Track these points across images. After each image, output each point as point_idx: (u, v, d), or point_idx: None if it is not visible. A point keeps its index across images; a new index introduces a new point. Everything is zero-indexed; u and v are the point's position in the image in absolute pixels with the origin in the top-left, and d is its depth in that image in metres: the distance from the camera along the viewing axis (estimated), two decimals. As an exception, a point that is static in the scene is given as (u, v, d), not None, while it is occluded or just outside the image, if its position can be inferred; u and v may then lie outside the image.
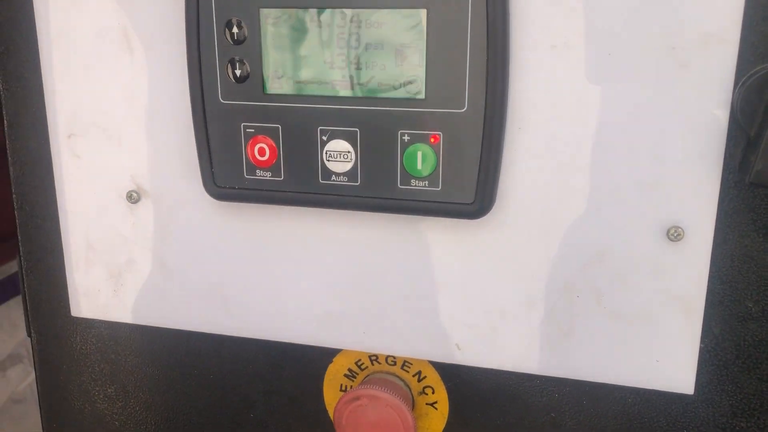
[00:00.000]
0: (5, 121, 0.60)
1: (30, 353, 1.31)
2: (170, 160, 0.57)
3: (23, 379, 1.57)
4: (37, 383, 0.69)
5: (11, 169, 0.61)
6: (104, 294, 0.63)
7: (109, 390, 0.66)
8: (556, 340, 0.52)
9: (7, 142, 0.61)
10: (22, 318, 0.67)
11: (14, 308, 1.53)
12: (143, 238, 0.60)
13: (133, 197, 0.59)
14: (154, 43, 0.54)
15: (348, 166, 0.52)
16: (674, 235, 0.48)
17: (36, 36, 0.57)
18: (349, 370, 0.60)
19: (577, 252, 0.50)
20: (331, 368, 0.60)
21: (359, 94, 0.50)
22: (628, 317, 0.50)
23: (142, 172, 0.58)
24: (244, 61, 0.51)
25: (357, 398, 0.55)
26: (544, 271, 0.51)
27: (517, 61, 0.48)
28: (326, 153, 0.52)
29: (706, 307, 0.49)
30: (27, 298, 0.66)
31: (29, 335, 0.68)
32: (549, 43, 0.47)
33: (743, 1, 0.43)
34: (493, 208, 0.51)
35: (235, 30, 0.51)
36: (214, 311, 0.60)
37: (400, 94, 0.49)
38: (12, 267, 1.50)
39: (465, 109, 0.48)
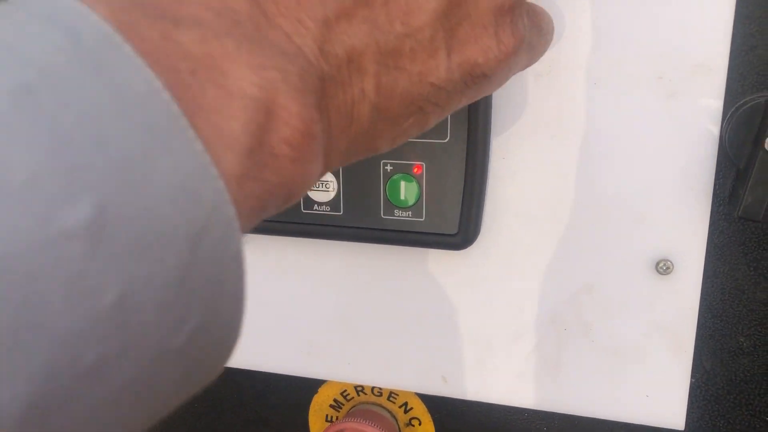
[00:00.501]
0: None
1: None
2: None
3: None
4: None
5: None
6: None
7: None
8: (544, 373, 0.51)
9: None
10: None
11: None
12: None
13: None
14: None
15: (330, 196, 0.51)
16: (663, 268, 0.47)
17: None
18: (335, 400, 0.59)
19: (565, 284, 0.49)
20: (316, 399, 0.59)
21: (340, 123, 0.49)
22: (617, 351, 0.49)
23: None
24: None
25: (341, 431, 0.54)
26: (531, 303, 0.50)
27: (500, 89, 0.47)
28: (308, 182, 0.51)
29: (696, 341, 0.48)
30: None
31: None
32: (533, 72, 0.46)
33: (731, 31, 0.42)
34: (478, 238, 0.49)
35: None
36: (197, 341, 0.59)
37: (382, 123, 0.48)
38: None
39: (447, 139, 0.47)
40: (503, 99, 0.47)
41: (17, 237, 0.16)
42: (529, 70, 0.46)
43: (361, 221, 0.51)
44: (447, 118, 0.47)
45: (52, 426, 0.18)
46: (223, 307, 0.23)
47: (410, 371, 0.54)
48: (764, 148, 0.41)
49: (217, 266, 0.21)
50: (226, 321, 0.23)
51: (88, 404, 0.18)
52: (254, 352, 0.58)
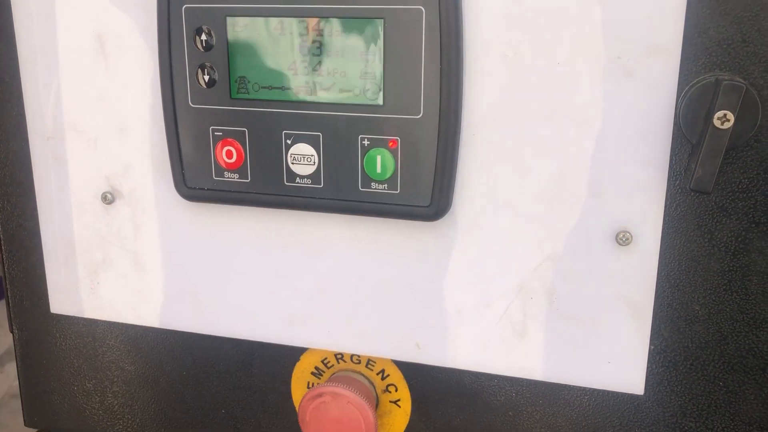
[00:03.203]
0: (-13, 124, 0.62)
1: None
2: (143, 162, 0.59)
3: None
4: (18, 378, 0.71)
5: (-7, 169, 0.63)
6: (82, 292, 0.65)
7: (87, 385, 0.68)
8: (511, 340, 0.54)
9: (-11, 143, 0.63)
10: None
11: (13, 306, 1.56)
12: (118, 238, 0.62)
13: (107, 198, 0.61)
14: (127, 49, 0.56)
15: (311, 169, 0.54)
16: (623, 239, 0.49)
17: (15, 42, 0.59)
18: (316, 368, 0.61)
19: (530, 255, 0.52)
20: (298, 366, 0.62)
21: (321, 99, 0.52)
22: (580, 319, 0.52)
23: (116, 174, 0.60)
24: (213, 67, 0.53)
25: (320, 395, 0.56)
26: (499, 272, 0.53)
27: (471, 69, 0.49)
28: (291, 156, 0.54)
29: (654, 309, 0.50)
30: (9, 295, 0.68)
31: (11, 331, 0.70)
32: (501, 52, 0.49)
33: (684, 14, 0.44)
34: (449, 211, 0.52)
35: (204, 37, 0.53)
36: (186, 310, 0.62)
37: (360, 100, 0.51)
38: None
39: (421, 115, 0.50)
40: (473, 78, 0.49)
41: None
42: (497, 50, 0.48)
43: (340, 193, 0.54)
44: (420, 95, 0.49)
45: None
46: None
47: (386, 339, 0.57)
48: (713, 124, 0.44)
49: None
50: None
51: None
52: (238, 321, 0.61)
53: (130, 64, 0.57)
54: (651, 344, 0.51)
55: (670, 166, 0.47)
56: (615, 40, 0.46)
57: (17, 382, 1.59)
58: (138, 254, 0.62)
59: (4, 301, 1.55)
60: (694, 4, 0.44)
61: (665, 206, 0.48)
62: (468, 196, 0.52)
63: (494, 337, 0.54)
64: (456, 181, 0.52)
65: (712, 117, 0.44)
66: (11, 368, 1.59)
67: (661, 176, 0.48)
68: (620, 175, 0.48)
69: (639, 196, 0.48)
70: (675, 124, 0.47)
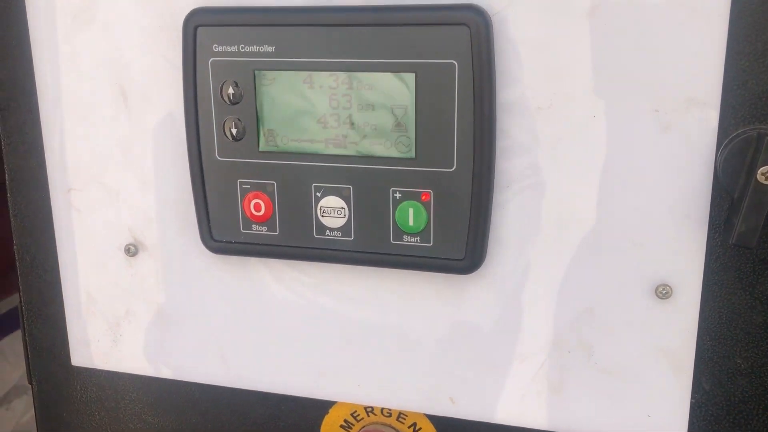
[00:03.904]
0: (6, 175, 0.61)
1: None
2: (168, 214, 0.58)
3: (27, 410, 1.58)
4: (37, 431, 0.70)
5: (12, 221, 0.63)
6: (104, 344, 0.63)
7: (108, 438, 0.67)
8: (548, 394, 0.53)
9: (8, 195, 0.62)
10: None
11: (18, 340, 1.54)
12: (142, 290, 0.61)
13: (131, 250, 0.60)
14: (150, 100, 0.56)
15: (342, 222, 0.53)
16: (662, 293, 0.48)
17: (36, 93, 0.58)
18: (345, 421, 0.60)
19: (567, 308, 0.51)
20: (327, 419, 0.60)
21: (352, 152, 0.51)
22: (619, 373, 0.51)
23: (140, 226, 0.59)
24: (240, 120, 0.52)
25: (351, 451, 0.55)
26: (535, 325, 0.52)
27: (504, 121, 0.49)
28: (320, 209, 0.53)
29: (695, 362, 0.49)
30: (28, 347, 0.67)
31: (30, 383, 0.68)
32: (535, 105, 0.48)
33: (723, 66, 0.44)
34: (484, 263, 0.51)
35: (231, 91, 0.52)
36: (212, 362, 0.61)
37: (391, 153, 0.50)
38: (15, 300, 1.51)
39: (454, 168, 0.49)
40: (506, 130, 0.49)
41: None
42: (532, 103, 0.48)
43: (371, 246, 0.53)
44: (454, 148, 0.49)
45: None
46: None
47: (419, 392, 0.56)
48: (757, 179, 0.43)
49: None
50: None
51: None
52: (265, 374, 0.59)
53: (153, 117, 0.56)
54: (692, 398, 0.50)
55: (709, 218, 0.47)
56: (652, 93, 0.46)
57: (24, 419, 1.56)
58: (162, 307, 0.61)
59: (9, 336, 1.53)
60: (732, 56, 0.44)
61: (705, 259, 0.47)
62: (502, 248, 0.51)
63: (530, 392, 0.53)
64: (490, 234, 0.51)
65: (755, 172, 0.43)
66: (18, 404, 1.57)
67: (701, 229, 0.47)
68: (659, 228, 0.48)
69: (679, 249, 0.48)
70: (714, 176, 0.46)
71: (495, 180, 0.50)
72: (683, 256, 0.48)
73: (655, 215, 0.48)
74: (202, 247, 0.56)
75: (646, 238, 0.48)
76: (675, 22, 0.44)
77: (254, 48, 0.51)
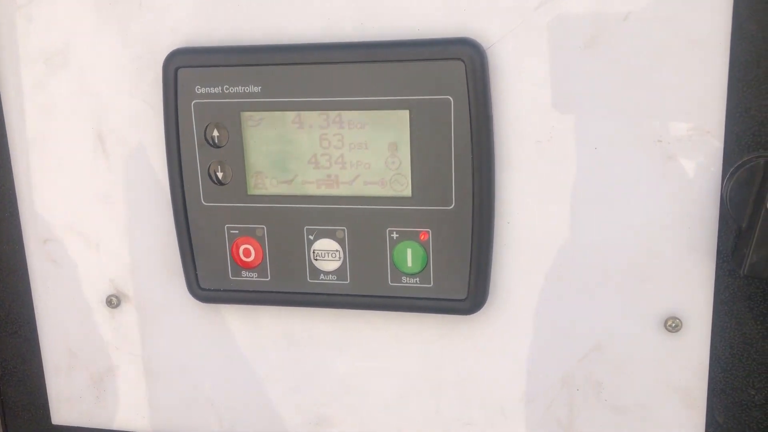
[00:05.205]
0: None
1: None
2: (151, 263, 0.55)
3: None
4: (16, 495, 0.66)
5: (-15, 275, 0.59)
6: (86, 400, 0.60)
7: (92, 499, 0.63)
8: (558, 434, 0.51)
9: (-20, 248, 0.59)
10: None
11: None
12: (125, 343, 0.58)
13: (113, 302, 0.57)
14: (129, 144, 0.53)
15: (336, 265, 0.51)
16: (672, 326, 0.47)
17: (6, 139, 0.55)
18: (345, 470, 0.57)
19: (574, 345, 0.49)
20: (326, 469, 0.58)
21: (345, 193, 0.49)
22: (629, 410, 0.49)
23: (121, 277, 0.56)
24: (226, 163, 0.50)
25: (355, 504, 0.53)
26: (542, 365, 0.50)
27: (502, 156, 0.47)
28: (314, 252, 0.51)
29: (708, 396, 0.48)
30: (4, 407, 0.63)
31: (7, 444, 0.64)
32: (534, 139, 0.47)
33: (725, 93, 0.43)
34: (486, 302, 0.50)
35: (215, 133, 0.50)
36: (202, 416, 0.58)
37: (386, 192, 0.49)
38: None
39: (453, 205, 0.48)
40: (506, 165, 0.47)
41: None
42: (531, 136, 0.46)
43: (368, 289, 0.51)
44: (452, 185, 0.47)
45: None
46: None
47: (422, 438, 0.54)
48: (766, 208, 0.42)
49: None
50: None
51: None
52: (259, 426, 0.57)
53: (133, 162, 0.53)
54: (706, 432, 0.49)
55: (717, 248, 0.46)
56: (654, 123, 0.45)
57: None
58: (147, 359, 0.58)
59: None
60: (734, 84, 0.43)
61: (714, 289, 0.46)
62: (505, 286, 0.50)
63: (540, 433, 0.51)
64: (492, 272, 0.49)
65: (764, 201, 0.42)
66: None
67: (710, 259, 0.46)
68: (666, 259, 0.46)
69: (687, 281, 0.46)
70: (721, 205, 0.45)
71: (495, 215, 0.48)
72: (692, 287, 0.46)
73: (661, 247, 0.46)
74: (189, 296, 0.54)
75: (653, 270, 0.47)
76: (675, 51, 0.43)
77: (239, 89, 0.49)
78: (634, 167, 0.45)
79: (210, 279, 0.53)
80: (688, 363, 0.48)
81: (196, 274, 0.53)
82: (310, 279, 0.51)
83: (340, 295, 0.51)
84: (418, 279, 0.50)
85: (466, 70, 0.45)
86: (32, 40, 0.53)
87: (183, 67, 0.49)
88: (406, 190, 0.48)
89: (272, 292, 0.52)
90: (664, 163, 0.45)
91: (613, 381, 0.49)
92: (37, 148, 0.55)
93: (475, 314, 0.50)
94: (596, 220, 0.47)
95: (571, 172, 0.47)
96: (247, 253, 0.52)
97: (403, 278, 0.50)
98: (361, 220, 0.49)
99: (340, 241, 0.50)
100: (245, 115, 0.49)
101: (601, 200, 0.47)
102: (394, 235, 0.49)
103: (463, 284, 0.49)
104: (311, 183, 0.49)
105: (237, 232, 0.52)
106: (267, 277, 0.52)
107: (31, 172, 0.56)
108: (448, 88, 0.46)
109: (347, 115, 0.48)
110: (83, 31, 0.51)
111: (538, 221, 0.48)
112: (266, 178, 0.50)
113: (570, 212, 0.47)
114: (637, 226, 0.46)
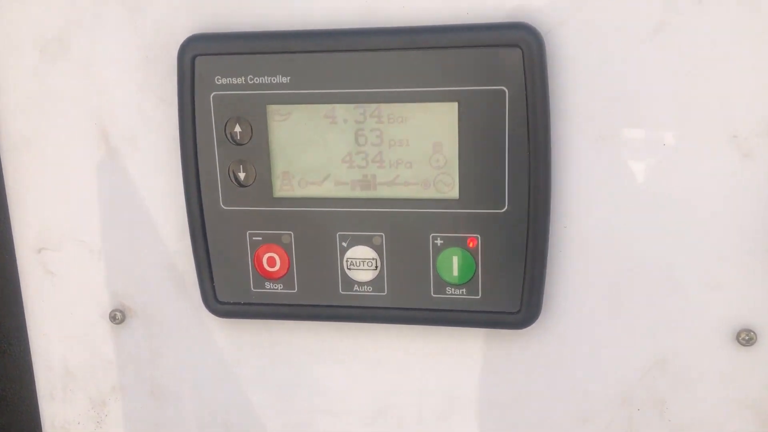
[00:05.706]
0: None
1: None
2: (161, 274, 0.50)
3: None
4: None
5: (-29, 289, 0.53)
6: (86, 427, 0.54)
7: None
8: (617, 458, 0.47)
9: (-35, 259, 0.53)
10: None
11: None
12: (131, 363, 0.52)
13: (117, 317, 0.51)
14: (138, 143, 0.48)
15: (372, 275, 0.46)
16: (745, 339, 0.43)
17: None
18: (376, 498, 0.53)
19: (636, 361, 0.45)
20: (354, 498, 0.53)
21: (383, 195, 0.44)
22: (696, 430, 0.45)
23: (127, 290, 0.51)
24: (249, 162, 0.45)
25: None
26: (599, 382, 0.46)
27: (560, 154, 0.43)
28: (347, 261, 0.46)
29: (782, 414, 0.44)
30: (-9, 434, 0.57)
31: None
32: (594, 135, 0.42)
33: (812, 85, 0.39)
34: (540, 315, 0.45)
35: (237, 129, 0.45)
36: (217, 442, 0.52)
37: (430, 194, 0.44)
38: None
39: (506, 208, 0.43)
40: (564, 164, 0.43)
41: None
42: (591, 131, 0.42)
43: (408, 302, 0.46)
44: (504, 186, 0.43)
45: None
46: None
47: (464, 463, 0.49)
48: None
49: None
50: None
51: None
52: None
53: (143, 162, 0.48)
54: (779, 454, 0.45)
55: (795, 253, 0.42)
56: (728, 116, 0.41)
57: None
58: (156, 380, 0.52)
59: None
60: (818, 74, 0.39)
61: (791, 298, 0.43)
62: (561, 297, 0.45)
63: (598, 457, 0.47)
64: (546, 281, 0.45)
65: None
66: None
67: (788, 266, 0.42)
68: (740, 265, 0.43)
69: (762, 289, 0.43)
70: (801, 207, 0.41)
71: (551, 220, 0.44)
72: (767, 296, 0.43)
73: (734, 252, 0.42)
74: (204, 310, 0.48)
75: (725, 278, 0.43)
76: (754, 36, 0.39)
77: (265, 79, 0.44)
78: (706, 165, 0.41)
79: (229, 291, 0.48)
80: (761, 379, 0.44)
81: (213, 286, 0.48)
82: (343, 291, 0.46)
83: (377, 308, 0.46)
84: (464, 290, 0.45)
85: (523, 58, 0.41)
86: (25, 26, 0.47)
87: (201, 55, 0.44)
88: (453, 192, 0.43)
89: (299, 305, 0.47)
90: (739, 160, 0.41)
91: (678, 399, 0.45)
92: (32, 147, 0.49)
93: (527, 328, 0.45)
94: (661, 223, 0.43)
95: (635, 172, 0.42)
96: (271, 262, 0.47)
97: (448, 289, 0.45)
98: (402, 226, 0.45)
99: (377, 249, 0.45)
100: (272, 108, 0.44)
101: (667, 201, 0.43)
102: (439, 242, 0.45)
103: (516, 295, 0.44)
104: (345, 184, 0.45)
105: (260, 239, 0.46)
106: (294, 289, 0.47)
107: (24, 173, 0.50)
108: (503, 78, 0.41)
109: (387, 108, 0.43)
110: (83, 14, 0.46)
111: (598, 225, 0.44)
112: (294, 179, 0.45)
113: (632, 215, 0.43)
114: (708, 230, 0.42)
